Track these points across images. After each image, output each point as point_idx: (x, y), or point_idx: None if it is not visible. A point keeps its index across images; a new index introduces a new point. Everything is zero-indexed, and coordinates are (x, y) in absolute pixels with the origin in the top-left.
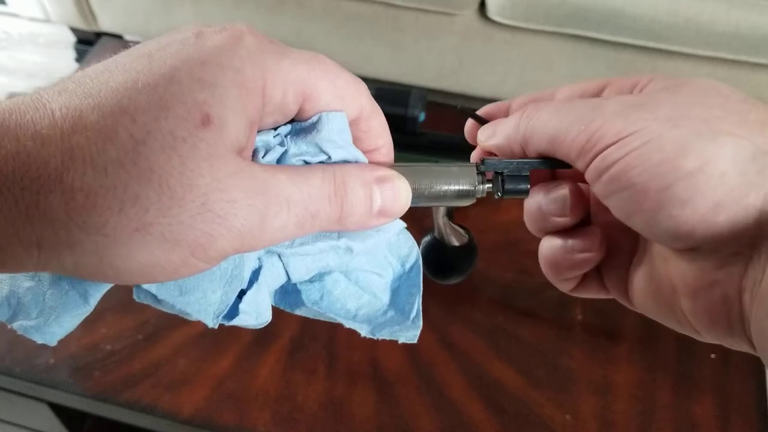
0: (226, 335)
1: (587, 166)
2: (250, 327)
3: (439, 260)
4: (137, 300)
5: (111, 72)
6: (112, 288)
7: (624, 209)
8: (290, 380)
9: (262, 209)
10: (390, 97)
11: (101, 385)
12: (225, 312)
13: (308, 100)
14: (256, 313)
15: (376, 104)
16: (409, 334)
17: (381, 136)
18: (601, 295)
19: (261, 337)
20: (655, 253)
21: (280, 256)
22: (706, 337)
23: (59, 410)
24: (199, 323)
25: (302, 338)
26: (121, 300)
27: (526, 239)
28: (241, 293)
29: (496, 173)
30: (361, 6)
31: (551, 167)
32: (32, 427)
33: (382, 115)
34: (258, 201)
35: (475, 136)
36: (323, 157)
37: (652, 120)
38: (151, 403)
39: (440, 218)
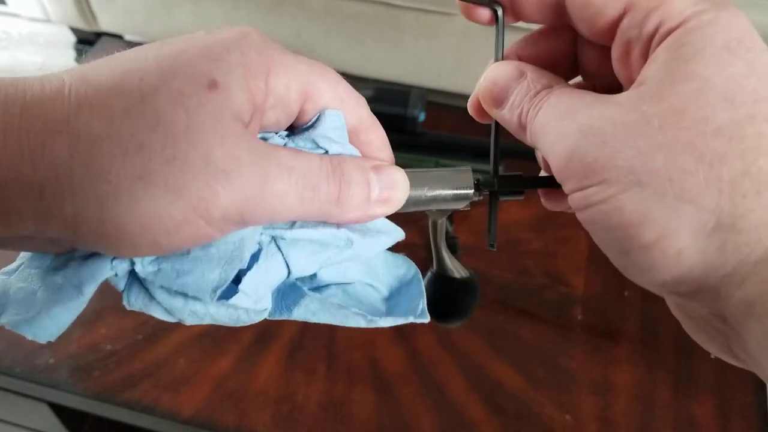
0: (226, 335)
1: (568, 195)
2: (245, 322)
3: (441, 296)
4: (128, 306)
5: (119, 54)
6: (112, 288)
7: (601, 247)
8: (290, 380)
9: (263, 171)
10: (390, 97)
11: (101, 385)
12: (224, 288)
13: (309, 99)
14: (255, 297)
15: (376, 119)
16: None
17: (381, 150)
18: None
19: (261, 337)
20: None
21: (279, 247)
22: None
23: (59, 410)
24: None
25: (302, 338)
26: (121, 300)
27: (526, 239)
28: (239, 278)
29: (493, 194)
30: (361, 6)
31: (546, 186)
32: (32, 427)
33: (383, 129)
34: (260, 162)
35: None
36: (320, 152)
37: (613, 169)
38: (151, 403)
39: (442, 251)
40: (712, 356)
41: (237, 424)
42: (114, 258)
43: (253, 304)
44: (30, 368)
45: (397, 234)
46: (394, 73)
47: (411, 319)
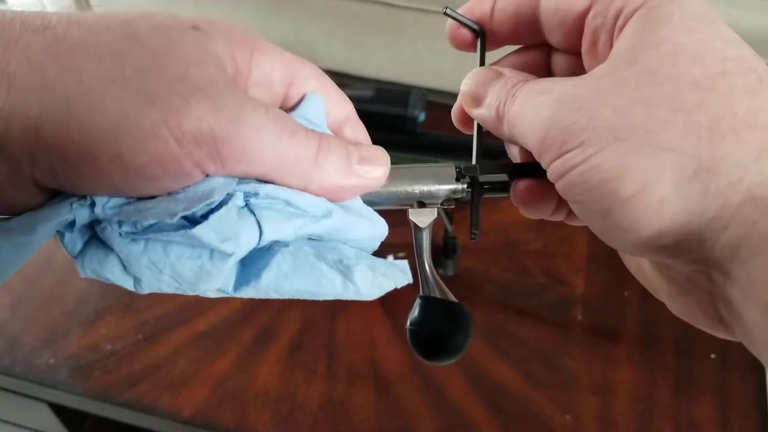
0: (226, 335)
1: (546, 169)
2: (209, 272)
3: (429, 326)
4: (82, 271)
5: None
6: (111, 288)
7: (581, 217)
8: (290, 380)
9: (239, 99)
10: (390, 97)
11: (101, 385)
12: (189, 215)
13: (294, 85)
14: (221, 235)
15: (360, 120)
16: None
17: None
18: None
19: (261, 337)
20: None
21: (252, 209)
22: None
23: (59, 410)
24: (198, 323)
25: (302, 338)
26: (121, 300)
27: (526, 239)
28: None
29: (474, 181)
30: (361, 6)
31: (531, 176)
32: (32, 427)
33: (366, 131)
34: (237, 93)
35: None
36: None
37: (592, 130)
38: (151, 403)
39: (426, 267)
40: (713, 356)
41: (237, 424)
42: (75, 201)
43: (219, 242)
44: (30, 368)
45: (380, 227)
46: (394, 73)
47: (389, 263)
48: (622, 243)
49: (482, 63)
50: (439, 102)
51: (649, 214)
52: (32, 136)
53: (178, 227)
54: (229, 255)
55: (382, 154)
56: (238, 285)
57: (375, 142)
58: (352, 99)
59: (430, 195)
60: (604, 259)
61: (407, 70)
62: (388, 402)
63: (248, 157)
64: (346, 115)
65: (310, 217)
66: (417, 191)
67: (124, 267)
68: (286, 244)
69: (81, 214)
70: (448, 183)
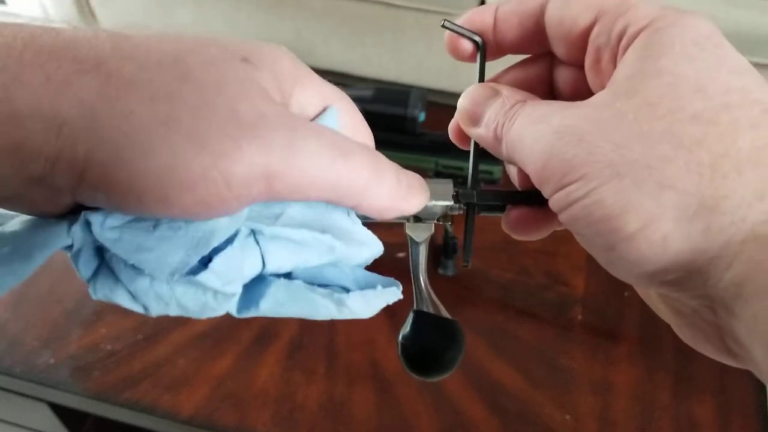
0: (226, 335)
1: (548, 198)
2: (213, 309)
3: (422, 341)
4: (94, 295)
5: (156, 29)
6: None
7: (585, 247)
8: (290, 380)
9: (291, 130)
10: (390, 97)
11: (101, 385)
12: (184, 272)
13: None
14: (225, 279)
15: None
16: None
17: None
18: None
19: (261, 337)
20: None
21: (257, 241)
22: None
23: (59, 410)
24: (198, 324)
25: (302, 338)
26: None
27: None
28: (209, 261)
29: (470, 207)
30: (361, 6)
31: (527, 203)
32: (32, 427)
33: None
34: (287, 123)
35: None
36: None
37: (591, 164)
38: (151, 403)
39: (421, 281)
40: None
41: (237, 424)
42: (72, 225)
43: (222, 285)
44: (30, 368)
45: (377, 249)
46: (394, 73)
47: (379, 290)
48: (627, 276)
49: (482, 75)
50: (439, 102)
51: (653, 250)
52: (77, 175)
53: (185, 272)
54: (233, 295)
55: (422, 183)
56: (240, 309)
57: (375, 142)
58: (352, 99)
59: (427, 211)
60: None
61: (407, 70)
62: (388, 402)
63: (303, 188)
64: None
65: (314, 253)
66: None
67: (133, 296)
68: (278, 275)
69: (78, 238)
70: (445, 200)
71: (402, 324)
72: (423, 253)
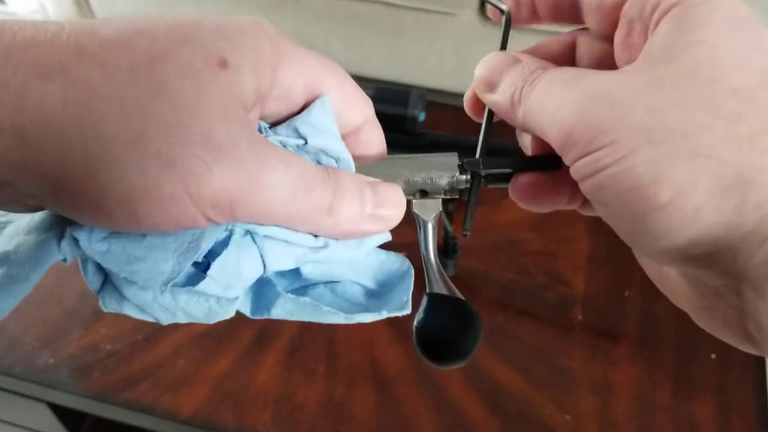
0: (226, 335)
1: (570, 165)
2: (218, 314)
3: (436, 326)
4: (104, 308)
5: (129, 16)
6: None
7: (607, 219)
8: (290, 380)
9: (260, 159)
10: (390, 97)
11: (101, 385)
12: (178, 281)
13: (314, 93)
14: (224, 284)
15: (377, 121)
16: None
17: (377, 152)
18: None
19: (261, 337)
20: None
21: (253, 237)
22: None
23: (59, 410)
24: (198, 324)
25: (302, 338)
26: None
27: (526, 239)
28: (208, 267)
29: (475, 176)
30: (361, 6)
31: (537, 169)
32: (32, 428)
33: (382, 132)
34: (258, 151)
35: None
36: (299, 142)
37: (624, 129)
38: (150, 403)
39: (432, 260)
40: (713, 356)
41: (237, 424)
42: (62, 239)
43: (223, 291)
44: (30, 368)
45: (382, 236)
46: (394, 73)
47: (387, 313)
48: (651, 250)
49: (504, 44)
50: (439, 102)
51: (684, 222)
52: (45, 187)
53: (183, 283)
54: (235, 298)
55: (397, 196)
56: (254, 311)
57: None
58: None
59: (432, 183)
60: (605, 259)
61: (407, 70)
62: (388, 402)
63: (261, 215)
64: (364, 119)
65: (310, 249)
66: (419, 179)
67: (140, 309)
68: (296, 277)
69: (69, 253)
70: (451, 171)
71: (402, 324)
72: (432, 232)
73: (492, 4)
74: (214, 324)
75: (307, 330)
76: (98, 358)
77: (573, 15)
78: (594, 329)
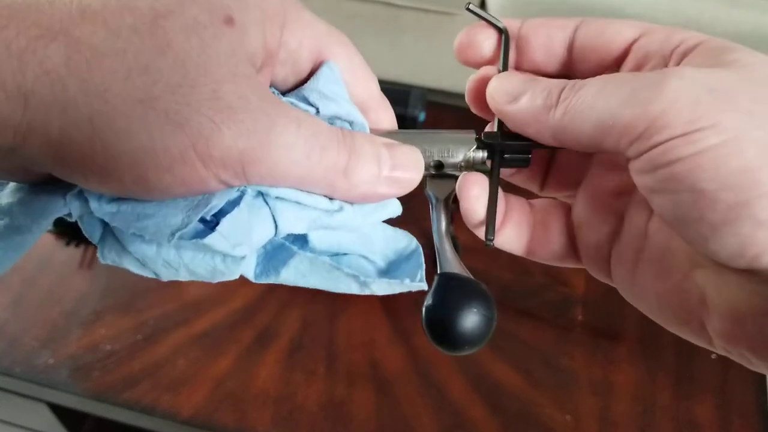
0: (226, 335)
1: (640, 155)
2: (222, 273)
3: (455, 301)
4: (102, 259)
5: None
6: (111, 288)
7: (676, 213)
8: (290, 380)
9: (271, 118)
10: (390, 96)
11: (101, 385)
12: (185, 231)
13: (320, 60)
14: (232, 241)
15: (386, 100)
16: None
17: (388, 129)
18: (569, 264)
19: (261, 337)
20: (678, 252)
21: (265, 199)
22: (722, 351)
23: (59, 411)
24: (198, 324)
25: (302, 338)
26: (121, 300)
27: None
28: (217, 224)
29: (493, 149)
30: (361, 6)
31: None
32: (32, 428)
33: (392, 111)
34: (269, 109)
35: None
36: (311, 110)
37: (730, 112)
38: (150, 404)
39: (445, 241)
40: (713, 356)
41: (237, 424)
42: (67, 193)
43: (230, 248)
44: (30, 368)
45: (394, 208)
46: (394, 73)
47: (407, 283)
48: (741, 241)
49: (505, 64)
50: (439, 102)
51: None
52: (52, 152)
53: (190, 236)
54: (242, 258)
55: (415, 157)
56: (259, 274)
57: None
58: None
59: (449, 154)
60: None
61: (407, 70)
62: (388, 402)
63: (274, 176)
64: (369, 95)
65: (324, 211)
66: (435, 149)
67: (141, 263)
68: (303, 246)
69: (75, 207)
70: (468, 145)
71: (402, 323)
72: (445, 211)
73: (489, 22)
74: (215, 324)
75: (307, 330)
76: (98, 358)
77: (557, 62)
78: (594, 329)
